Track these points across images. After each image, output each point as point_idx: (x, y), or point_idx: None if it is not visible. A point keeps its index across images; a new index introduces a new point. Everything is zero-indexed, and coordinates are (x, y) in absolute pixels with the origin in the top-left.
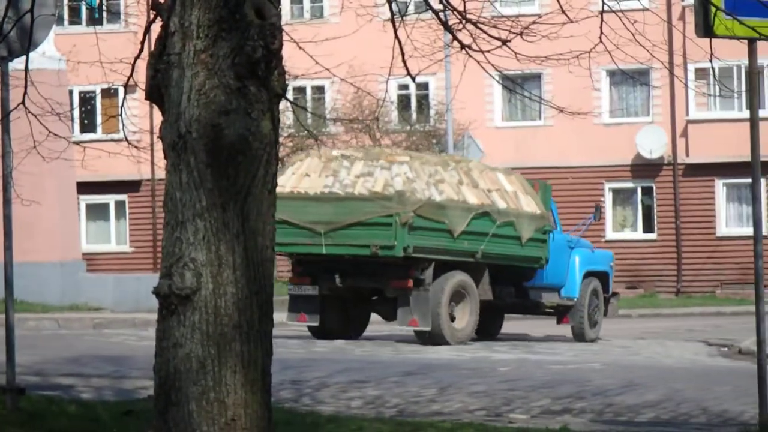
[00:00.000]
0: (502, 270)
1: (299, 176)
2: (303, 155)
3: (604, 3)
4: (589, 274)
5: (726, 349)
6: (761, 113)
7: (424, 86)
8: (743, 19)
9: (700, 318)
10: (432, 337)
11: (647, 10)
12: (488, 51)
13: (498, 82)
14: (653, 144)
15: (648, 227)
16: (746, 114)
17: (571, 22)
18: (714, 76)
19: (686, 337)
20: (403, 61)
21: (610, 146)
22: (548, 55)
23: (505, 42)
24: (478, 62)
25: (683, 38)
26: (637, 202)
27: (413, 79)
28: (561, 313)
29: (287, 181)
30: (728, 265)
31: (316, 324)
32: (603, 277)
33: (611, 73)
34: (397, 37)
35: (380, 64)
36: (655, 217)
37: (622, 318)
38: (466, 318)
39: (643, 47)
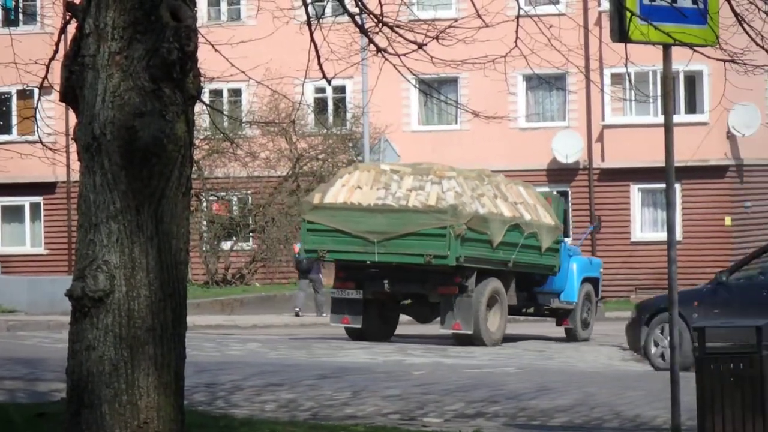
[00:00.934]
0: (522, 277)
1: (350, 189)
2: (351, 168)
3: (520, 7)
4: (584, 280)
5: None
6: (676, 119)
7: (340, 89)
8: (658, 24)
9: (615, 323)
10: (472, 340)
11: (563, 15)
12: (404, 54)
13: (414, 86)
14: (569, 149)
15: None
16: (661, 119)
17: (487, 26)
18: (629, 81)
19: (601, 341)
20: (319, 64)
21: (526, 151)
22: (464, 59)
23: (421, 46)
24: (394, 66)
25: (599, 43)
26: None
27: (329, 82)
28: (561, 315)
29: (339, 193)
30: (643, 270)
31: (358, 326)
32: (594, 282)
33: (528, 78)
34: (313, 40)
35: (297, 67)
36: (571, 221)
37: (541, 322)
38: (497, 321)
39: (559, 52)
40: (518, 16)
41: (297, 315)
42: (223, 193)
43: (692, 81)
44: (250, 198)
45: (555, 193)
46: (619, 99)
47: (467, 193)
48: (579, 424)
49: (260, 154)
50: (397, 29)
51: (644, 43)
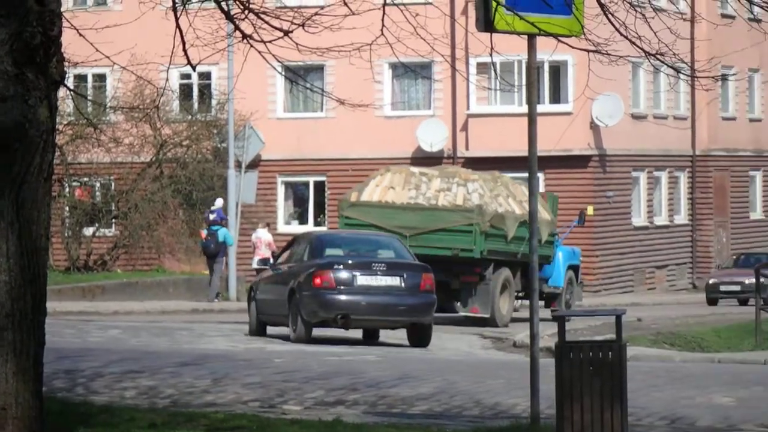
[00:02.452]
0: (524, 266)
1: (384, 189)
2: (383, 170)
3: None
4: (568, 268)
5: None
6: (540, 108)
7: (206, 76)
8: (523, 14)
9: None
10: (488, 322)
11: (430, 3)
12: (270, 41)
13: (280, 73)
14: (434, 137)
15: None
16: (526, 109)
17: (354, 14)
18: (494, 70)
19: (462, 330)
20: (184, 50)
21: (391, 139)
22: (330, 47)
23: (287, 33)
24: (260, 52)
25: (466, 33)
26: None
27: (194, 68)
28: (550, 299)
29: (374, 192)
30: None
31: None
32: (576, 269)
33: (394, 66)
34: (178, 25)
35: (162, 53)
36: None
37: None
38: (507, 305)
39: (425, 41)
40: (384, 4)
41: (216, 300)
42: (86, 179)
43: (557, 71)
44: (113, 184)
45: (552, 193)
46: (484, 88)
47: (488, 194)
48: (439, 412)
49: (124, 140)
50: (263, 16)
51: (509, 32)
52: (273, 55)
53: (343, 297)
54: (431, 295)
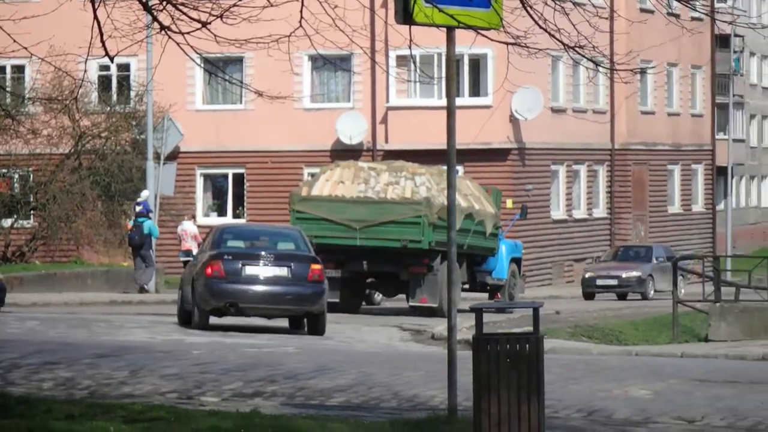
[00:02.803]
0: (468, 257)
1: (334, 183)
2: (332, 165)
3: None
4: (511, 260)
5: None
6: (459, 101)
7: (125, 67)
8: (443, 6)
9: (386, 302)
10: (435, 312)
11: None
12: (188, 33)
13: (198, 64)
14: (353, 130)
15: None
16: (445, 102)
17: (272, 5)
18: (413, 63)
19: (381, 322)
20: (102, 41)
21: (310, 131)
22: (248, 38)
23: (204, 24)
24: (178, 44)
25: (385, 25)
26: None
27: (111, 59)
28: (493, 290)
29: (324, 187)
30: None
31: (336, 300)
32: (518, 262)
33: (313, 58)
34: (96, 17)
35: (80, 44)
36: None
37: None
38: (456, 293)
39: (344, 32)
40: None
41: (143, 291)
42: (4, 170)
43: (477, 64)
44: (31, 175)
45: (495, 187)
46: (403, 81)
47: (435, 187)
48: (357, 404)
49: (43, 131)
50: (181, 7)
51: (428, 25)
52: (191, 47)
53: (231, 286)
54: (320, 285)
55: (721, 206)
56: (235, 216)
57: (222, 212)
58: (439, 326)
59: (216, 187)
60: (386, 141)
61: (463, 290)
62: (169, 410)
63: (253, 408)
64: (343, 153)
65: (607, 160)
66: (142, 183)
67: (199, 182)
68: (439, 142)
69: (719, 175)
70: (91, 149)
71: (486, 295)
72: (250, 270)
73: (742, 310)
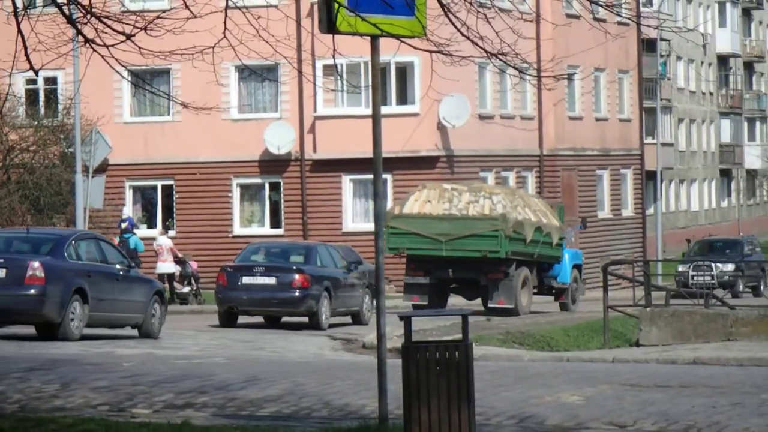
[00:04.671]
0: (538, 265)
1: (422, 202)
2: (420, 187)
3: None
4: (573, 267)
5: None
6: (387, 110)
7: (52, 81)
8: (366, 15)
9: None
10: (511, 312)
11: (273, 6)
12: (112, 45)
13: (123, 77)
14: (281, 140)
15: (275, 223)
16: (372, 110)
17: (196, 17)
18: (338, 72)
19: (311, 332)
20: (26, 55)
21: (238, 142)
22: (172, 50)
23: (129, 36)
24: (103, 57)
25: (311, 35)
26: (265, 198)
27: (36, 72)
28: (558, 293)
29: (413, 205)
30: None
31: (425, 303)
32: (579, 268)
33: (240, 69)
34: (20, 30)
35: (4, 58)
36: (283, 212)
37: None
38: (527, 298)
39: (268, 43)
40: (226, 7)
41: None
42: None
43: (404, 72)
44: None
45: (559, 203)
46: (330, 90)
47: (509, 204)
48: (288, 414)
49: None
50: (105, 20)
51: (352, 34)
52: (116, 60)
53: (229, 293)
54: (304, 291)
55: (650, 210)
56: (165, 228)
57: (151, 224)
58: (370, 335)
59: (145, 199)
60: (314, 150)
61: (534, 294)
62: (100, 423)
63: (184, 419)
64: (271, 163)
65: (535, 166)
66: (71, 196)
67: (128, 194)
68: (368, 151)
69: (648, 179)
70: (19, 163)
71: (552, 297)
72: (246, 280)
73: (672, 314)
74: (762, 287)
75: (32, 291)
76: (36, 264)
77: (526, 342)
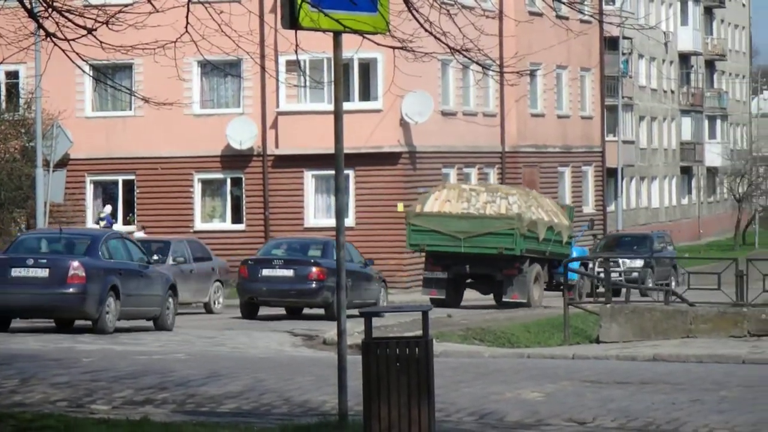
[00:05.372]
0: (549, 261)
1: (442, 201)
2: (440, 187)
3: None
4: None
5: (310, 338)
6: (350, 106)
7: (14, 75)
8: (329, 11)
9: (275, 310)
10: (525, 306)
11: (236, 1)
12: (73, 39)
13: (85, 72)
14: (243, 135)
15: (237, 218)
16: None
17: (158, 11)
18: (301, 68)
19: (272, 327)
20: None
21: (200, 137)
22: (134, 45)
23: (90, 31)
24: (64, 51)
25: (274, 30)
26: (227, 193)
27: None
28: (567, 288)
29: (434, 204)
30: None
31: (443, 297)
32: (586, 265)
33: (202, 64)
34: None
35: None
36: (244, 208)
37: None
38: (538, 293)
39: (230, 38)
40: (189, 2)
41: None
42: None
43: (367, 68)
44: None
45: (569, 204)
46: (293, 86)
47: (524, 205)
48: (248, 411)
49: None
50: (66, 14)
51: (314, 30)
52: (78, 54)
53: (250, 284)
54: (320, 283)
55: (611, 207)
56: (126, 223)
57: (98, 218)
58: (330, 331)
59: (106, 193)
60: (276, 146)
61: (546, 289)
62: (59, 419)
63: (143, 415)
64: (233, 159)
65: (497, 162)
66: (31, 191)
67: (89, 189)
68: (330, 146)
69: (609, 176)
70: None
71: (560, 292)
72: (265, 272)
73: (632, 311)
74: (674, 285)
75: (74, 289)
76: (77, 264)
77: (487, 338)
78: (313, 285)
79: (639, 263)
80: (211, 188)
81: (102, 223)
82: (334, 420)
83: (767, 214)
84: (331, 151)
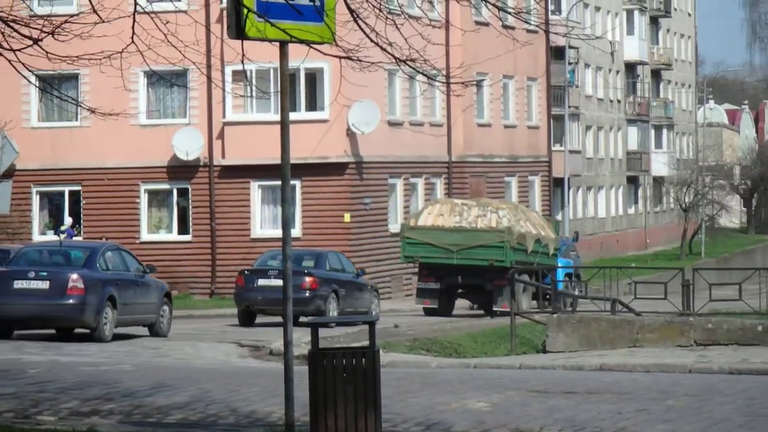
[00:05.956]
0: (536, 272)
1: (435, 216)
2: (432, 201)
3: (136, 3)
4: (565, 275)
5: (257, 349)
6: (296, 116)
7: None
8: (275, 21)
9: (234, 319)
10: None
11: (182, 12)
12: (19, 50)
13: (30, 82)
14: (190, 146)
15: (183, 229)
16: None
17: (104, 21)
18: (247, 78)
19: (219, 338)
20: None
21: (147, 148)
22: (80, 55)
23: (36, 41)
24: (10, 61)
25: (221, 41)
26: (173, 204)
27: None
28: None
29: (427, 218)
30: None
31: (435, 306)
32: (570, 276)
33: (148, 74)
34: None
35: None
36: (191, 218)
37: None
38: (527, 302)
39: (176, 48)
40: (135, 12)
41: None
42: None
43: (313, 78)
44: None
45: (555, 219)
46: (239, 96)
47: (513, 218)
48: (194, 421)
49: None
50: (12, 24)
51: (261, 39)
52: (23, 64)
53: (246, 293)
54: (312, 292)
55: (558, 217)
56: (55, 234)
57: (58, 230)
58: (277, 341)
59: (53, 204)
60: (223, 156)
61: (533, 299)
62: (5, 430)
63: (90, 426)
64: (179, 169)
65: (444, 172)
66: None
67: (35, 200)
68: (277, 157)
69: (556, 186)
70: None
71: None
72: (260, 282)
73: (579, 320)
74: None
75: (74, 300)
76: (75, 276)
77: (434, 348)
78: (306, 294)
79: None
80: (158, 199)
81: (63, 236)
82: (281, 430)
83: (713, 224)
84: (278, 161)
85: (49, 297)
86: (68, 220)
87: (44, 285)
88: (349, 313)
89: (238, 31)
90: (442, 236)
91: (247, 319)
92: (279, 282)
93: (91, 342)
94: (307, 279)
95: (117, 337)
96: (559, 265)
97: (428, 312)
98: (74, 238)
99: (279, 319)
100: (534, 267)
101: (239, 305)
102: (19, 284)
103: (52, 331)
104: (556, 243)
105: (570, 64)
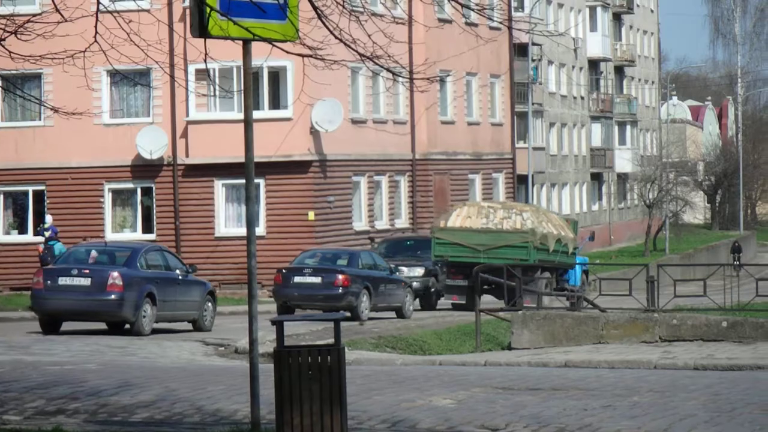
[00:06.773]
0: (556, 270)
1: (463, 218)
2: (461, 204)
3: (99, 2)
4: (583, 272)
5: (222, 348)
6: (260, 114)
7: None
8: (238, 19)
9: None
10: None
11: (145, 11)
12: None
13: None
14: (153, 145)
15: (147, 228)
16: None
17: (66, 21)
18: (210, 76)
19: (183, 337)
20: None
21: (110, 147)
22: (43, 54)
23: None
24: None
25: (184, 39)
26: (137, 203)
27: None
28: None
29: (456, 220)
30: (226, 264)
31: (463, 302)
32: (587, 273)
33: (111, 74)
34: None
35: None
36: (155, 217)
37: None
38: (547, 299)
39: (139, 47)
40: (97, 11)
41: None
42: None
43: (276, 76)
44: None
45: (573, 219)
46: (203, 95)
47: (536, 220)
48: (160, 420)
49: None
50: None
51: (223, 38)
52: None
53: (284, 290)
54: (345, 288)
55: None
56: (36, 234)
57: (23, 230)
58: (242, 340)
59: (16, 204)
60: (187, 155)
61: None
62: None
63: (55, 426)
64: (143, 168)
65: (408, 170)
66: None
67: None
68: (240, 155)
69: (520, 183)
70: None
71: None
72: (297, 279)
73: (544, 317)
74: None
75: (113, 296)
76: (115, 274)
77: (399, 346)
78: (339, 290)
79: (419, 272)
80: (122, 198)
81: (47, 233)
82: (247, 428)
83: (677, 220)
84: (242, 159)
85: (90, 293)
86: (48, 218)
87: (86, 282)
88: (381, 309)
89: (201, 29)
90: (469, 237)
91: (285, 313)
92: (313, 279)
93: (131, 336)
94: (340, 276)
95: (156, 331)
96: (577, 263)
97: (456, 307)
98: (58, 236)
99: (316, 312)
100: (555, 264)
101: (277, 300)
102: (63, 281)
103: (103, 326)
104: (574, 242)
105: (533, 61)
